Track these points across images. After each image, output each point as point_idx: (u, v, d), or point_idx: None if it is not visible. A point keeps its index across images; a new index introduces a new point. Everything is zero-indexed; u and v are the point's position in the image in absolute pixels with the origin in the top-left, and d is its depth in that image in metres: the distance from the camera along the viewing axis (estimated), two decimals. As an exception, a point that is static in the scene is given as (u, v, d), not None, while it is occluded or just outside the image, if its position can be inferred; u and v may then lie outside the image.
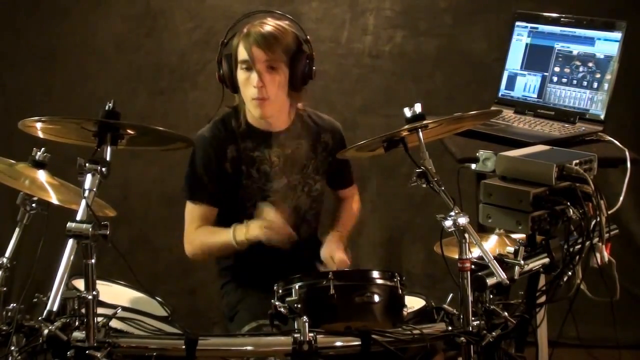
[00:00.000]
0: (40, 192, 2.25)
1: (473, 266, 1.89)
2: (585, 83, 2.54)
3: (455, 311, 1.95)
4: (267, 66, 2.36)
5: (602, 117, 2.50)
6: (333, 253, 2.44)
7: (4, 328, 2.06)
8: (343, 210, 2.73)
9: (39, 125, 1.93)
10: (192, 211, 2.50)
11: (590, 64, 2.53)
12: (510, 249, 1.96)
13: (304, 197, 2.56)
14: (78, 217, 1.74)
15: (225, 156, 2.47)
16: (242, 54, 2.37)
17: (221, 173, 2.47)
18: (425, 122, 2.02)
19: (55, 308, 1.68)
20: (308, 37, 2.43)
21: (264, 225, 2.35)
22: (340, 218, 2.71)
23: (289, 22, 2.43)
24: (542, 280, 2.21)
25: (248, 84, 2.38)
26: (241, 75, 2.39)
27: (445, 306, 2.00)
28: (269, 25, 2.38)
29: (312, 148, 2.56)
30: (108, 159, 1.83)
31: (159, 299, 2.53)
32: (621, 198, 2.14)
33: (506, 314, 1.91)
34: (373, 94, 3.81)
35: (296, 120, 2.55)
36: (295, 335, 1.82)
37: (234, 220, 2.47)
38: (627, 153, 2.32)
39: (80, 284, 1.97)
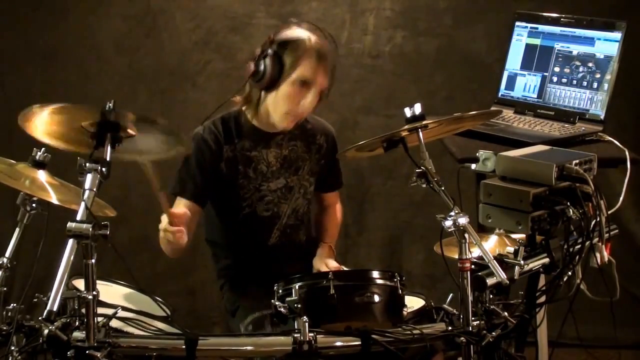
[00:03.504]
0: (40, 192, 2.25)
1: (473, 266, 1.89)
2: (585, 83, 2.54)
3: (455, 311, 1.95)
4: (320, 91, 2.38)
5: (602, 117, 2.50)
6: (326, 264, 2.49)
7: (4, 328, 2.06)
8: (329, 220, 2.73)
9: (39, 119, 1.88)
10: (176, 205, 2.43)
11: (590, 64, 2.54)
12: (510, 249, 1.95)
13: (301, 199, 2.56)
14: (78, 217, 1.74)
15: (220, 156, 2.46)
16: (306, 71, 2.33)
17: (215, 172, 2.45)
18: (425, 122, 2.02)
19: (55, 308, 1.67)
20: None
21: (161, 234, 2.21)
22: (327, 229, 2.71)
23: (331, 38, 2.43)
24: (542, 280, 2.21)
25: (296, 100, 2.36)
26: (291, 89, 2.34)
27: (445, 306, 2.00)
28: (328, 49, 2.37)
29: (306, 149, 2.56)
30: (108, 159, 1.83)
31: (159, 299, 2.53)
32: (621, 198, 2.14)
33: (506, 314, 1.91)
34: (373, 94, 3.80)
35: None
36: (295, 335, 1.82)
37: (229, 219, 2.51)
38: (627, 153, 2.32)
39: (80, 284, 1.97)
